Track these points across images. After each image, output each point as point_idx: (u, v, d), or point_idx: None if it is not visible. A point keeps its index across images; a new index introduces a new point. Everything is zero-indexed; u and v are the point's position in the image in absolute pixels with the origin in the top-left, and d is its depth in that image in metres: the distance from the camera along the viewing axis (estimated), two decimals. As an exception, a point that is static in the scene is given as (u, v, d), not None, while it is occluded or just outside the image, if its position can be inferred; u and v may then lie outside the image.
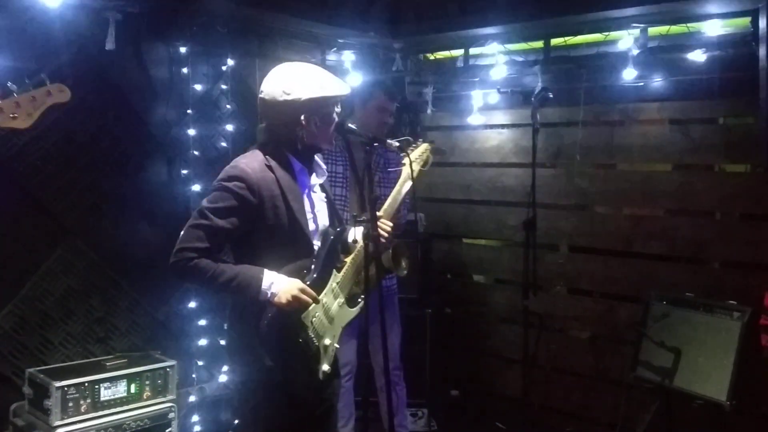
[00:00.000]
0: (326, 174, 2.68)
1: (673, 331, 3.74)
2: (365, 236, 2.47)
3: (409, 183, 2.87)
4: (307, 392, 2.50)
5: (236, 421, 2.79)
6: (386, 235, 2.72)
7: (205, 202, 2.41)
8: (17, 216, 3.60)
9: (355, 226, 2.69)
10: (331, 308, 2.55)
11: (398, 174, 3.96)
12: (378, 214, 2.68)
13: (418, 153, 2.96)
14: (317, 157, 2.65)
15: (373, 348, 3.74)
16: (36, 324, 3.69)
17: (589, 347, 4.47)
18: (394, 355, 4.01)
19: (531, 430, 4.31)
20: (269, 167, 2.45)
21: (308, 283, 2.44)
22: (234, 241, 2.47)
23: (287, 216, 2.43)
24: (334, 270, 2.58)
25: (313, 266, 2.50)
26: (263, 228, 2.42)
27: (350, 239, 2.67)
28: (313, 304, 2.44)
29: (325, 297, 2.53)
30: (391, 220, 2.83)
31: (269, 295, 2.36)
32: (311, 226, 2.52)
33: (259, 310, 2.40)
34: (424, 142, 3.04)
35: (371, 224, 2.45)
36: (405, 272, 2.91)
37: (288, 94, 2.44)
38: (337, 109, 2.56)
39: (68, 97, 2.39)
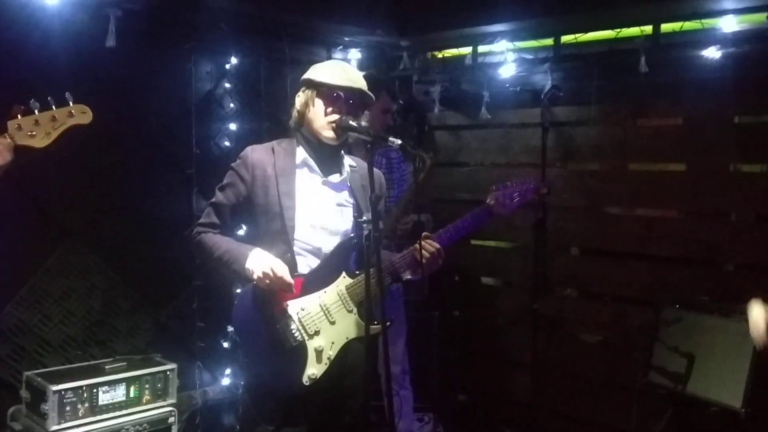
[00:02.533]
0: (345, 177, 2.61)
1: (686, 336, 3.64)
2: (366, 237, 2.39)
3: None
4: (289, 391, 2.42)
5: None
6: (428, 257, 2.57)
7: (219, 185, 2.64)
8: (15, 216, 3.53)
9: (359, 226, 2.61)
10: (331, 309, 2.48)
11: (404, 174, 3.90)
12: (427, 234, 2.63)
13: (515, 190, 2.92)
14: (348, 160, 2.66)
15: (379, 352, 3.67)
16: (35, 326, 3.64)
17: (600, 351, 4.38)
18: (400, 358, 3.94)
19: (539, 436, 4.23)
20: (273, 151, 2.58)
21: (307, 273, 2.48)
22: (243, 220, 2.67)
23: (277, 196, 2.50)
24: (345, 273, 2.52)
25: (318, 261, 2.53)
26: (255, 206, 2.54)
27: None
28: (305, 297, 2.43)
29: (325, 295, 2.48)
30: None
31: (250, 271, 2.41)
32: (311, 217, 2.51)
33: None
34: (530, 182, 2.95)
35: (373, 225, 2.37)
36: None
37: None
38: (341, 108, 2.51)
39: (90, 119, 2.40)
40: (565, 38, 4.32)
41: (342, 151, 2.66)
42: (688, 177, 4.09)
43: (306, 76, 2.61)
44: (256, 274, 2.38)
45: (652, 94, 4.10)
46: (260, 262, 2.40)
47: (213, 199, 2.60)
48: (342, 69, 2.60)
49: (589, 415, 4.40)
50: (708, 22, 3.80)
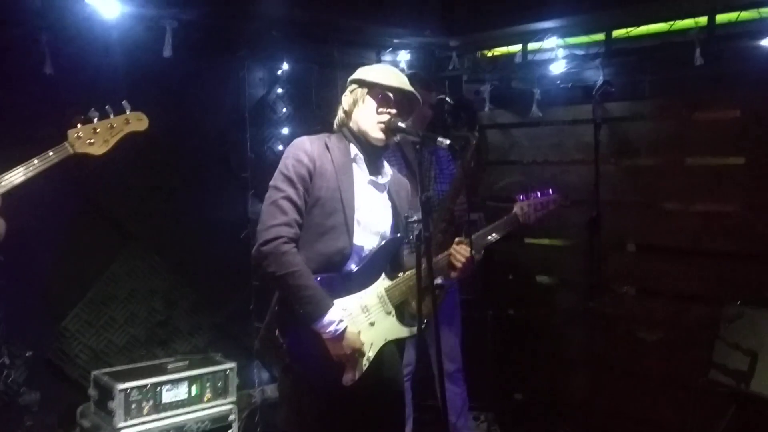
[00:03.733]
0: (389, 178, 2.63)
1: (748, 333, 3.54)
2: (417, 237, 2.41)
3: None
4: (340, 396, 2.41)
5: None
6: (463, 261, 2.58)
7: (275, 181, 2.44)
8: (81, 222, 3.71)
9: (407, 226, 2.64)
10: (371, 310, 2.49)
11: (453, 172, 3.91)
12: (461, 239, 2.64)
13: (540, 201, 2.91)
14: (386, 163, 2.68)
15: (432, 353, 3.70)
16: (101, 327, 3.79)
17: (659, 349, 4.29)
18: (455, 356, 3.95)
19: (597, 435, 4.18)
20: (327, 146, 2.52)
21: (350, 271, 2.46)
22: None
23: (337, 191, 2.45)
24: (384, 274, 2.54)
25: (358, 261, 2.49)
26: (313, 198, 2.43)
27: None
28: (347, 297, 2.43)
29: (366, 296, 2.49)
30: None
31: (329, 330, 2.34)
32: (358, 213, 2.49)
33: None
34: (555, 193, 2.97)
35: (423, 225, 2.39)
36: (479, 256, 2.83)
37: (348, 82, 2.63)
38: (391, 110, 2.53)
39: (146, 126, 2.46)
40: (617, 33, 4.26)
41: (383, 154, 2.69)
42: (748, 170, 3.97)
43: (356, 76, 2.60)
44: (337, 351, 2.35)
45: (708, 86, 4.00)
46: (347, 341, 2.36)
47: (283, 194, 2.40)
48: (392, 72, 2.62)
49: (647, 414, 4.32)
50: (766, 11, 3.70)
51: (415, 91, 2.60)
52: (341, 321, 2.37)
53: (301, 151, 2.46)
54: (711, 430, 3.67)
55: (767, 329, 3.49)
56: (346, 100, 2.60)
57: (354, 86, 2.59)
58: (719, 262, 4.03)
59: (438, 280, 2.65)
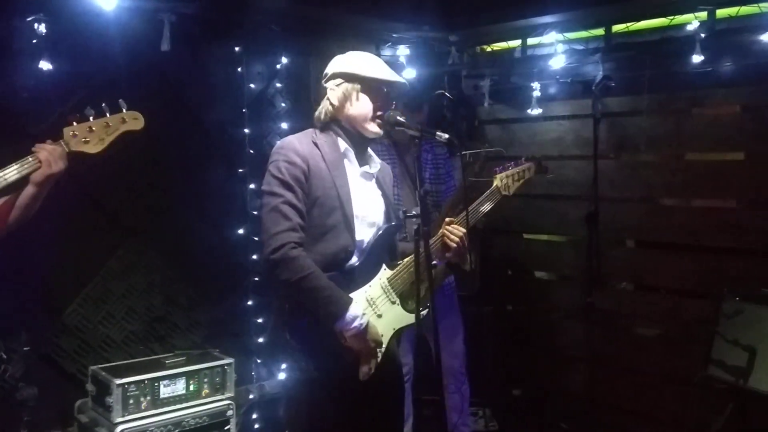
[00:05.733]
0: (379, 167, 2.62)
1: (747, 329, 3.53)
2: (416, 232, 2.40)
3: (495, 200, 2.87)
4: (350, 390, 2.40)
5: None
6: (457, 241, 2.59)
7: (269, 185, 2.38)
8: (79, 217, 3.70)
9: (405, 222, 2.64)
10: (378, 303, 2.49)
11: (451, 170, 3.89)
12: (451, 219, 2.64)
13: (516, 170, 2.93)
14: (371, 151, 2.65)
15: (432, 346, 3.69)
16: (99, 322, 3.79)
17: (658, 345, 4.29)
18: (460, 354, 3.94)
19: (596, 430, 4.17)
20: (315, 144, 2.47)
21: (353, 266, 2.44)
22: None
23: (333, 188, 2.42)
24: (385, 265, 2.53)
25: (359, 255, 2.48)
26: (311, 199, 2.40)
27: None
28: (354, 293, 2.41)
29: (371, 288, 2.48)
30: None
31: (354, 326, 2.33)
32: (356, 208, 2.47)
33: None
34: (528, 161, 2.99)
35: (422, 220, 2.39)
36: (470, 267, 2.84)
37: (326, 71, 2.55)
38: (388, 105, 2.50)
39: (142, 125, 2.44)
40: (617, 27, 4.25)
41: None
42: (747, 166, 3.97)
43: (342, 69, 2.49)
44: (359, 345, 2.36)
45: (708, 82, 3.98)
46: (370, 335, 2.37)
47: (282, 199, 2.35)
48: (379, 62, 2.56)
49: (646, 410, 4.33)
50: (766, 6, 3.68)
51: (405, 81, 2.58)
52: (364, 314, 2.37)
53: (292, 152, 2.40)
54: (709, 426, 3.66)
55: (766, 325, 3.48)
56: (334, 94, 2.50)
57: (341, 80, 2.49)
58: (718, 258, 4.03)
59: (433, 262, 2.64)
